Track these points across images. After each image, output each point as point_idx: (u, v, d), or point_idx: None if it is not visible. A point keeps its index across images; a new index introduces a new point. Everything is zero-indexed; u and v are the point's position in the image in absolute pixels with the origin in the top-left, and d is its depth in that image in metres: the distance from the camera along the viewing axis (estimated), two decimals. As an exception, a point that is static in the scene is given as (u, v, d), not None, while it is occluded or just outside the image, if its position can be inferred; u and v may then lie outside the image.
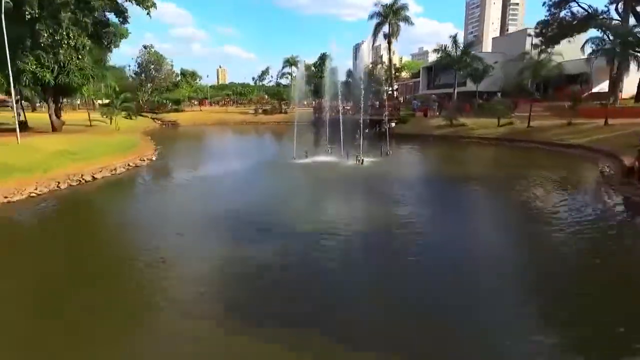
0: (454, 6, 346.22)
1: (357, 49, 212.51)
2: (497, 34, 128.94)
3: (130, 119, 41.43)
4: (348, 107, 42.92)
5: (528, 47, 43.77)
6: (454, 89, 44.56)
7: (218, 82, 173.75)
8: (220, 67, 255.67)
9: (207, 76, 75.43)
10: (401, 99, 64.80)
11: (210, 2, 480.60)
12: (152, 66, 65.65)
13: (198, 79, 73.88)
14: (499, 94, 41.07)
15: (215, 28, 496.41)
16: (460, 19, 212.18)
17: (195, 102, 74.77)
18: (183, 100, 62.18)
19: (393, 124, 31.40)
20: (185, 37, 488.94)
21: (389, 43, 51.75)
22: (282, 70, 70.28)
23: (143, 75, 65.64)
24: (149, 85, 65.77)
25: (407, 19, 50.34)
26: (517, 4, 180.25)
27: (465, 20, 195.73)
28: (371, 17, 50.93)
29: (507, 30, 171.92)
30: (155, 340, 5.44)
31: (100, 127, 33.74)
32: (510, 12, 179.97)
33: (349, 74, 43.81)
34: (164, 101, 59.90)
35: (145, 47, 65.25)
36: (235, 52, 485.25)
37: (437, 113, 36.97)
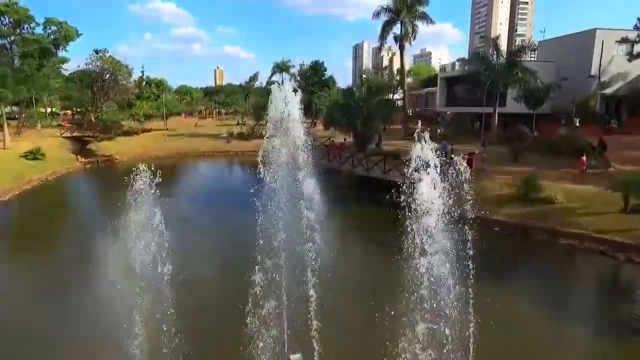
0: (455, 5, 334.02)
1: (357, 49, 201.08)
2: (505, 35, 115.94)
3: (35, 158, 28.83)
4: (345, 141, 30.56)
5: (598, 51, 31.48)
6: (495, 110, 32.10)
7: (215, 84, 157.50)
8: (217, 67, 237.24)
9: (171, 89, 63.11)
10: (410, 111, 52.00)
11: (210, 2, 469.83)
12: (119, 75, 53.18)
13: (167, 90, 61.32)
14: (577, 120, 28.48)
15: (215, 28, 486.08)
16: (461, 18, 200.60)
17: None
18: (137, 118, 49.33)
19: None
20: (185, 37, 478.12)
21: (401, 47, 39.21)
22: (270, 77, 58.04)
23: (95, 87, 53.07)
24: (102, 100, 53.27)
25: (425, 17, 37.99)
26: (527, 2, 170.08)
27: (472, 20, 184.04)
28: (377, 14, 38.54)
29: (516, 30, 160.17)
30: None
31: None
32: (519, 11, 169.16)
33: (348, 93, 31.49)
34: (107, 122, 45.95)
35: (96, 51, 52.64)
36: (235, 52, 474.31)
37: (484, 155, 23.16)
